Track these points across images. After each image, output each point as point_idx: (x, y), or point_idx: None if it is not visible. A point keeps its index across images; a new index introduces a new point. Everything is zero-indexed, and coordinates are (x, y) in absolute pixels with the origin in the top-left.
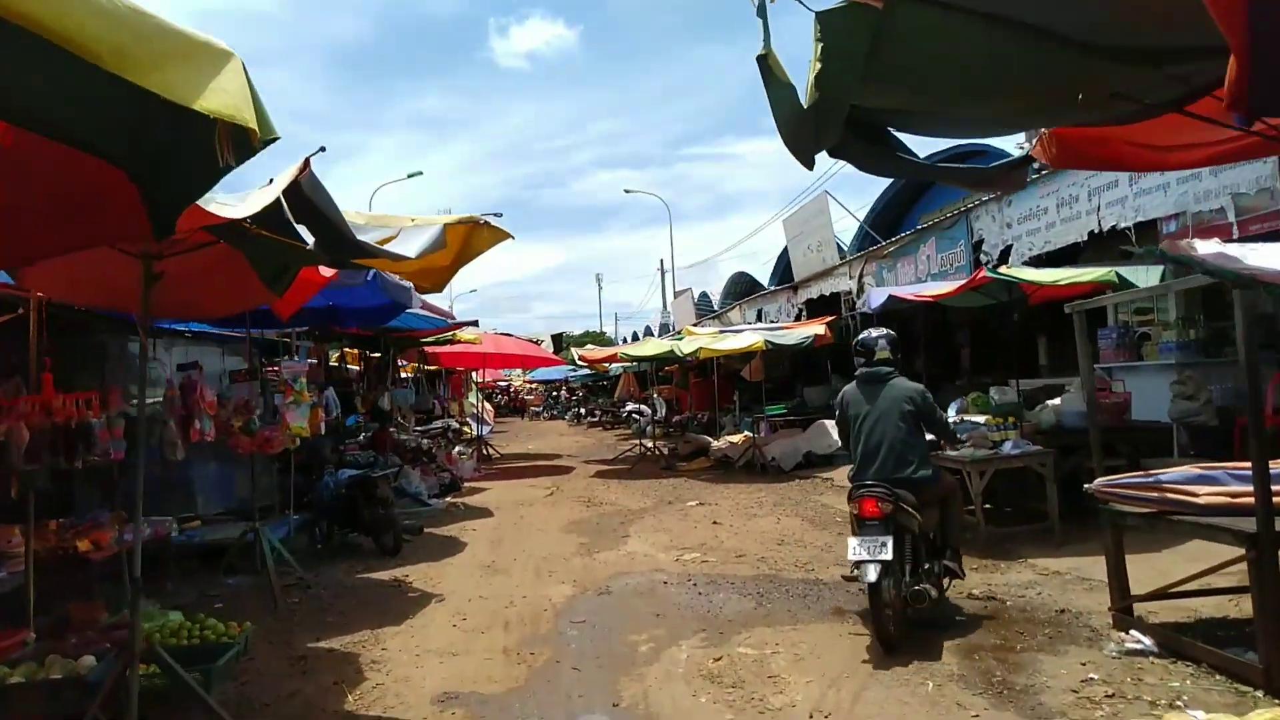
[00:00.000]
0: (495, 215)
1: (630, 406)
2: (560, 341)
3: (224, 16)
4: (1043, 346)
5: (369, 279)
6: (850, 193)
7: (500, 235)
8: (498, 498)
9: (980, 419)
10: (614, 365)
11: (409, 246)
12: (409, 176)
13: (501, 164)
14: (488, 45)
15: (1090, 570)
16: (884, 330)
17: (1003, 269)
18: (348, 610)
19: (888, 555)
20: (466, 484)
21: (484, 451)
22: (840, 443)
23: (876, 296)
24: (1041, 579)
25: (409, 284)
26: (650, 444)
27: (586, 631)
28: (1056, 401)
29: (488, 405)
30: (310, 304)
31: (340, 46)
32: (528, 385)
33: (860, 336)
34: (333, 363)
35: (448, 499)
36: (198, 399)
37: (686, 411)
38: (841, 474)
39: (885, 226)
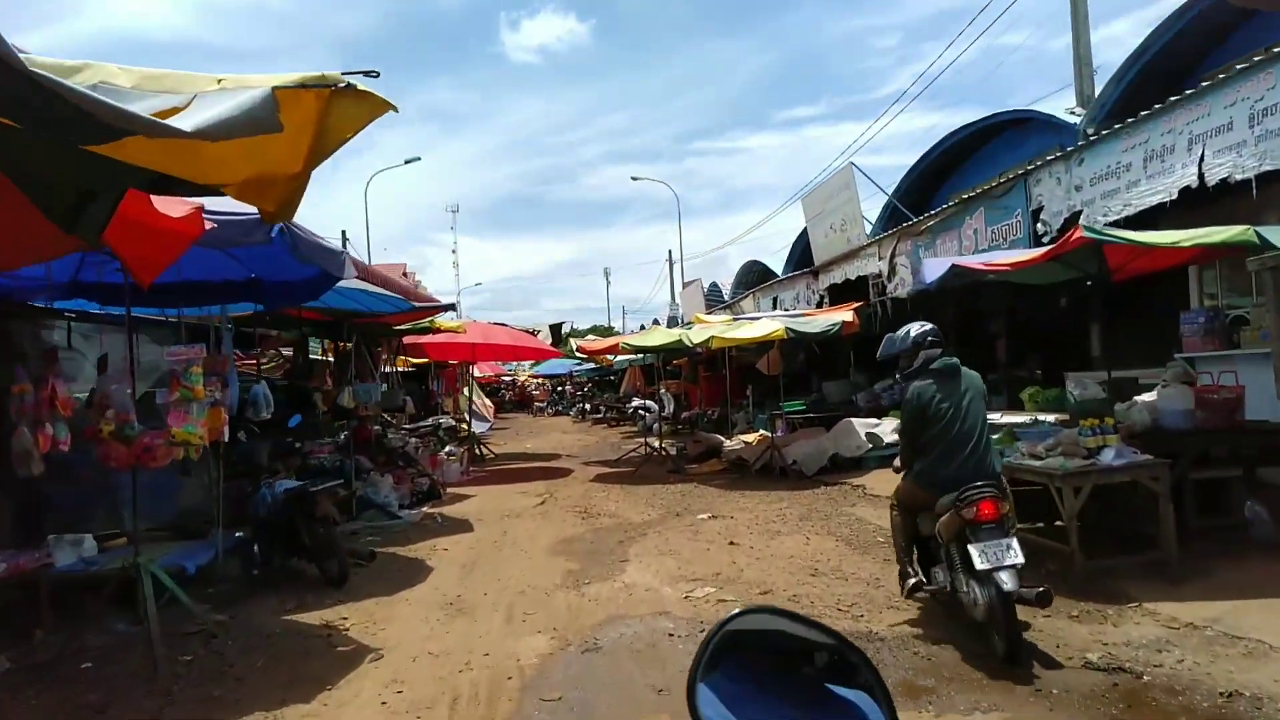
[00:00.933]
0: (366, 74)
1: (636, 402)
2: (559, 332)
3: (232, 14)
4: (1095, 335)
5: (274, 234)
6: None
7: (375, 105)
8: (482, 507)
9: (1048, 418)
10: (618, 358)
11: (206, 117)
12: (406, 162)
13: (511, 158)
14: (498, 39)
15: (1238, 623)
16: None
17: (1110, 230)
18: (251, 674)
19: (1019, 558)
20: (451, 490)
21: (477, 451)
22: (903, 444)
23: (933, 269)
24: (1173, 635)
25: (337, 246)
26: (656, 443)
27: (561, 717)
28: (1148, 397)
29: (487, 401)
30: (226, 275)
31: (350, 41)
32: (534, 380)
33: (923, 329)
34: (316, 355)
35: (424, 509)
36: (48, 396)
37: (696, 408)
38: (874, 480)
39: (910, 209)
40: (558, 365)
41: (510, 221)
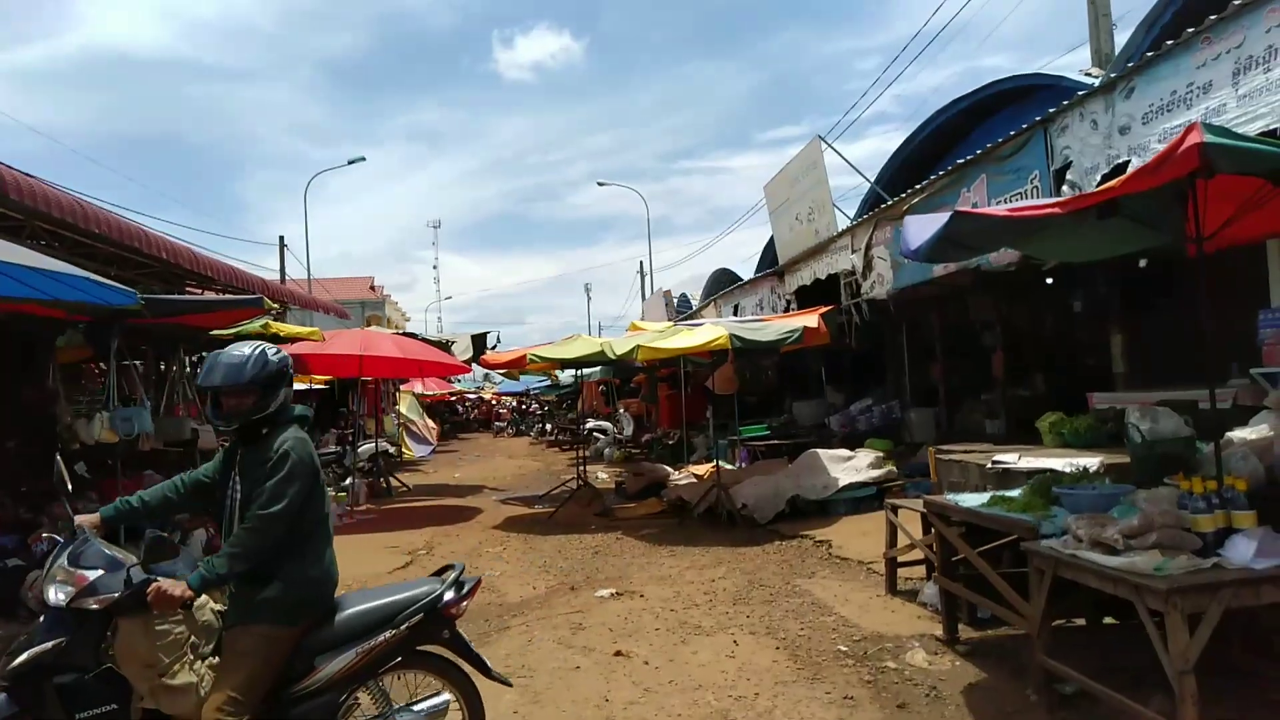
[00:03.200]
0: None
1: (591, 424)
2: (483, 344)
3: (210, 28)
4: (1119, 347)
5: None
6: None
7: None
8: None
9: (1090, 462)
10: (566, 373)
11: None
12: (350, 163)
13: (498, 177)
14: (487, 58)
15: None
16: None
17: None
18: None
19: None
20: None
21: (384, 484)
22: (270, 536)
23: (919, 228)
24: None
25: None
26: (587, 475)
27: None
28: (1248, 433)
29: (429, 422)
30: None
31: (335, 60)
32: (501, 399)
33: (284, 354)
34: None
35: None
36: None
37: (658, 430)
38: (843, 533)
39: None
40: (514, 383)
41: (497, 239)
